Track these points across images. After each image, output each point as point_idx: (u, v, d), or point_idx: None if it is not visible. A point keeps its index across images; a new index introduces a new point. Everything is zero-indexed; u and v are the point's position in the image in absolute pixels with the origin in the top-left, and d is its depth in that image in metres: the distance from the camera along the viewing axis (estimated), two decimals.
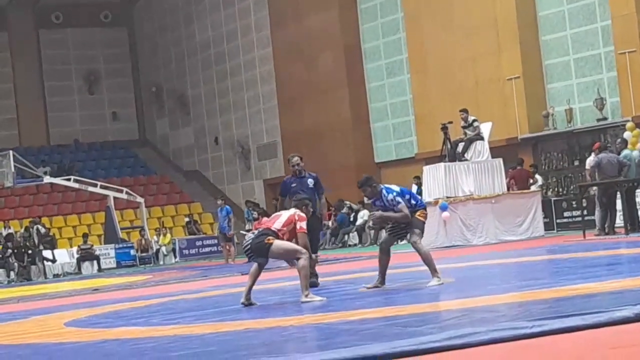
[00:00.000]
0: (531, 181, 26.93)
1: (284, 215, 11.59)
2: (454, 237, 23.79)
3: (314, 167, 30.10)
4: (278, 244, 11.18)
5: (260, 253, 11.27)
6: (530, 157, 28.69)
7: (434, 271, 11.83)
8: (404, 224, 11.95)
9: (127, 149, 48.53)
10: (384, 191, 11.93)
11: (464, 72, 30.88)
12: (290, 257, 11.37)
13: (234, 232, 30.99)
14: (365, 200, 12.47)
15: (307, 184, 14.46)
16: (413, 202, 12.03)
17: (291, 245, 11.27)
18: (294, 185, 14.49)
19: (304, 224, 11.43)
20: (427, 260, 11.87)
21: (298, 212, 11.59)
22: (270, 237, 11.19)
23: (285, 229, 11.33)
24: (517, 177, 26.55)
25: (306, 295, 11.07)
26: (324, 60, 36.77)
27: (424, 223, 12.01)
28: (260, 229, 11.61)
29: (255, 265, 11.57)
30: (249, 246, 11.39)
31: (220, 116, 44.05)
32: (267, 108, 40.82)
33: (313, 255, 12.40)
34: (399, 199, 11.84)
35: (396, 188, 12.09)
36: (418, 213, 11.94)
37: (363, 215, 32.82)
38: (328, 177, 34.32)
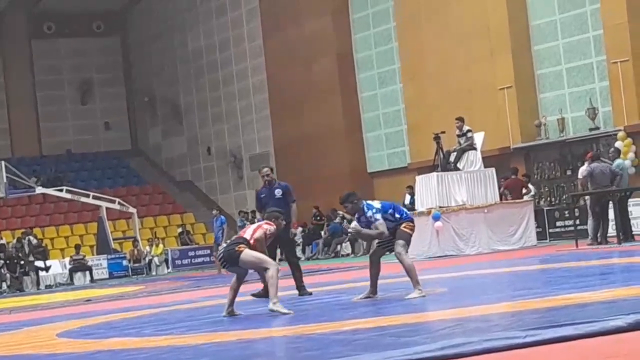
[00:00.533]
0: (525, 191, 26.93)
1: (254, 225, 11.94)
2: (447, 247, 23.77)
3: (306, 177, 30.14)
4: (248, 252, 11.35)
5: (232, 261, 11.45)
6: (523, 167, 28.67)
7: (415, 283, 11.81)
8: (392, 237, 11.93)
9: (120, 158, 48.47)
10: (365, 207, 11.94)
11: (456, 83, 30.88)
12: (258, 267, 11.48)
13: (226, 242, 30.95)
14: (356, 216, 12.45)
15: (274, 194, 14.70)
16: (397, 215, 11.96)
17: (260, 255, 11.43)
18: (262, 195, 14.98)
19: (265, 226, 11.68)
20: (410, 272, 11.85)
21: (268, 221, 11.92)
22: (241, 245, 11.39)
23: (254, 237, 11.46)
24: (512, 187, 26.55)
25: (274, 303, 11.17)
26: (316, 69, 36.80)
27: (410, 235, 11.97)
28: (233, 238, 11.90)
29: (234, 278, 11.71)
30: (222, 254, 11.65)
31: (213, 126, 44.05)
32: (260, 118, 40.83)
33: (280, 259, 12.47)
34: (377, 215, 11.81)
35: (377, 204, 12.05)
36: (404, 225, 11.89)
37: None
38: (320, 187, 34.57)
